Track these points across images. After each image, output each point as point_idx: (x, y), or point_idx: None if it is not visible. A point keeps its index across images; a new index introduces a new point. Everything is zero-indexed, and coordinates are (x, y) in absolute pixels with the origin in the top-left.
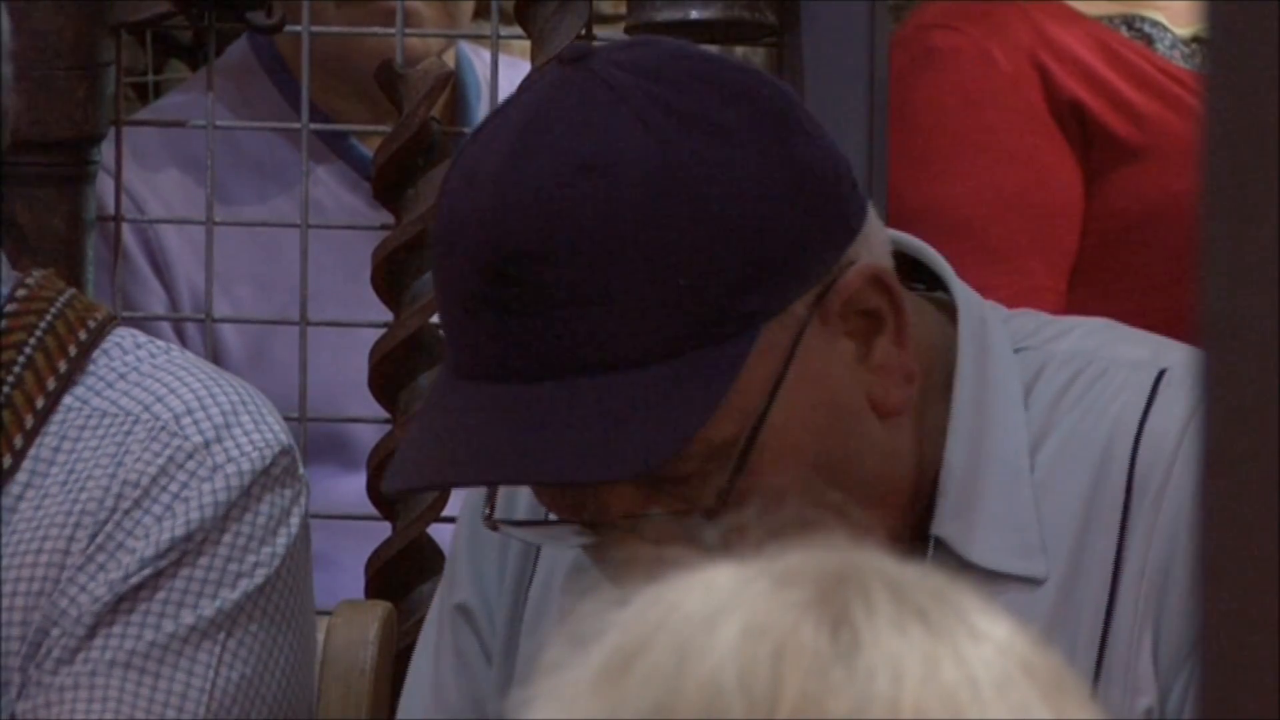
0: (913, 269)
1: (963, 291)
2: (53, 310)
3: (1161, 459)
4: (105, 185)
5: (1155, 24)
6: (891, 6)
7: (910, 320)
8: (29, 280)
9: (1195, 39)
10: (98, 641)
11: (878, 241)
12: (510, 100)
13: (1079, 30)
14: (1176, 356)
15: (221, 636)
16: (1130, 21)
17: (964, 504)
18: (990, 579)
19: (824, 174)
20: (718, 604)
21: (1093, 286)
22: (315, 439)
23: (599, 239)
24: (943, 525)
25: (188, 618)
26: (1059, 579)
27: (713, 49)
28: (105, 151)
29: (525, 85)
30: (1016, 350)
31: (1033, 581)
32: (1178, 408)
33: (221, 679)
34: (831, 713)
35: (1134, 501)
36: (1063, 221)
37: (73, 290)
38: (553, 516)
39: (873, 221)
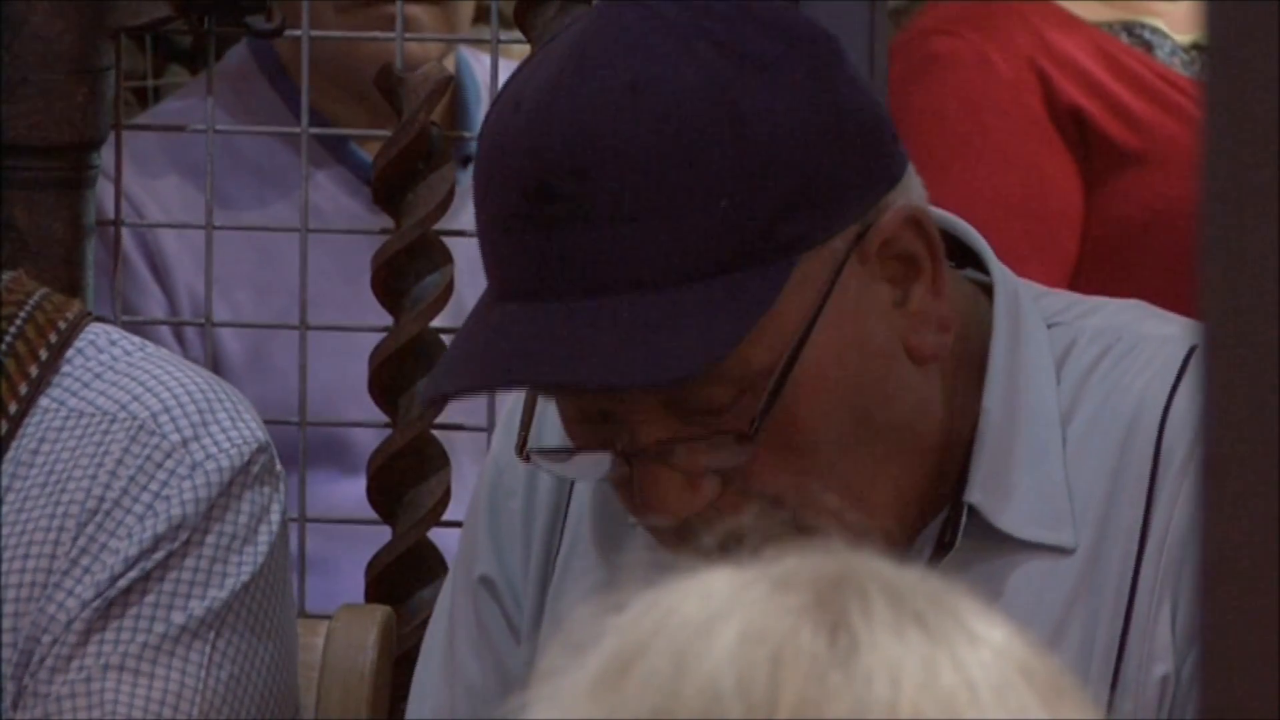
0: (949, 248)
1: (998, 267)
2: (22, 314)
3: (1187, 431)
4: (105, 190)
5: (1155, 30)
6: (891, 11)
7: (946, 270)
8: None
9: (1195, 46)
10: (91, 648)
11: (917, 195)
12: (556, 34)
13: (1079, 36)
14: None
15: (211, 635)
16: (1130, 28)
17: (997, 472)
18: (1020, 548)
19: (867, 118)
20: (715, 609)
21: (1092, 292)
22: (315, 443)
23: (643, 156)
24: (975, 492)
25: (178, 618)
26: (1086, 548)
27: None
28: (105, 156)
29: (576, 18)
30: (1049, 326)
31: (1061, 551)
32: None
33: (212, 678)
34: (830, 716)
35: (1160, 473)
36: (1062, 227)
37: (44, 290)
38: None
39: (913, 176)
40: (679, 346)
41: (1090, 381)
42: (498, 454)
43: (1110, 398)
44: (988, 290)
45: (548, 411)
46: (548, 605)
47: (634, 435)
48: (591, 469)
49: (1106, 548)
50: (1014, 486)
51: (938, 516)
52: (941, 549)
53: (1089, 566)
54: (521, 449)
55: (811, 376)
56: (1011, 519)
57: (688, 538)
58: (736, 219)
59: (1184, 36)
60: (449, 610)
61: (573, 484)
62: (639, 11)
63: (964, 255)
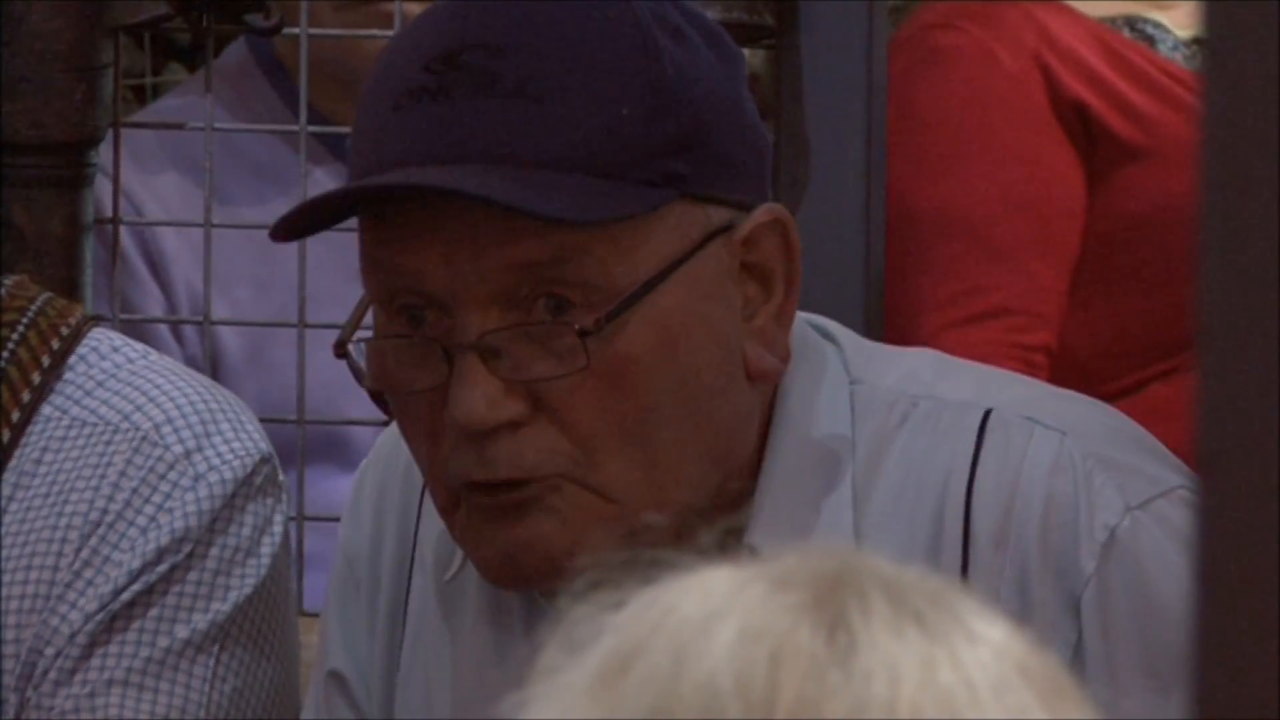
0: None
1: (839, 331)
2: (25, 320)
3: (998, 506)
4: (103, 188)
5: (1157, 25)
6: (890, 9)
7: (796, 305)
8: (0, 290)
9: (1197, 40)
10: (94, 661)
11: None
12: None
13: (1082, 31)
14: (1001, 394)
15: (215, 649)
16: (1133, 23)
17: (782, 521)
18: None
19: (760, 134)
20: (714, 607)
21: (1094, 286)
22: (314, 440)
23: (557, 45)
24: (758, 536)
25: (181, 632)
26: None
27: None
28: (103, 154)
29: None
30: (851, 383)
31: None
32: (1009, 449)
33: (216, 691)
34: (828, 715)
35: (972, 551)
36: (1065, 221)
37: (47, 295)
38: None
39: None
40: (560, 201)
41: (890, 450)
42: (344, 545)
43: (911, 475)
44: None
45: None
46: (397, 694)
47: (465, 328)
48: (412, 370)
49: None
50: (797, 537)
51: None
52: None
53: None
54: (342, 346)
55: (655, 320)
56: None
57: (485, 464)
58: (632, 131)
59: (1186, 31)
60: (313, 706)
61: (411, 573)
62: None
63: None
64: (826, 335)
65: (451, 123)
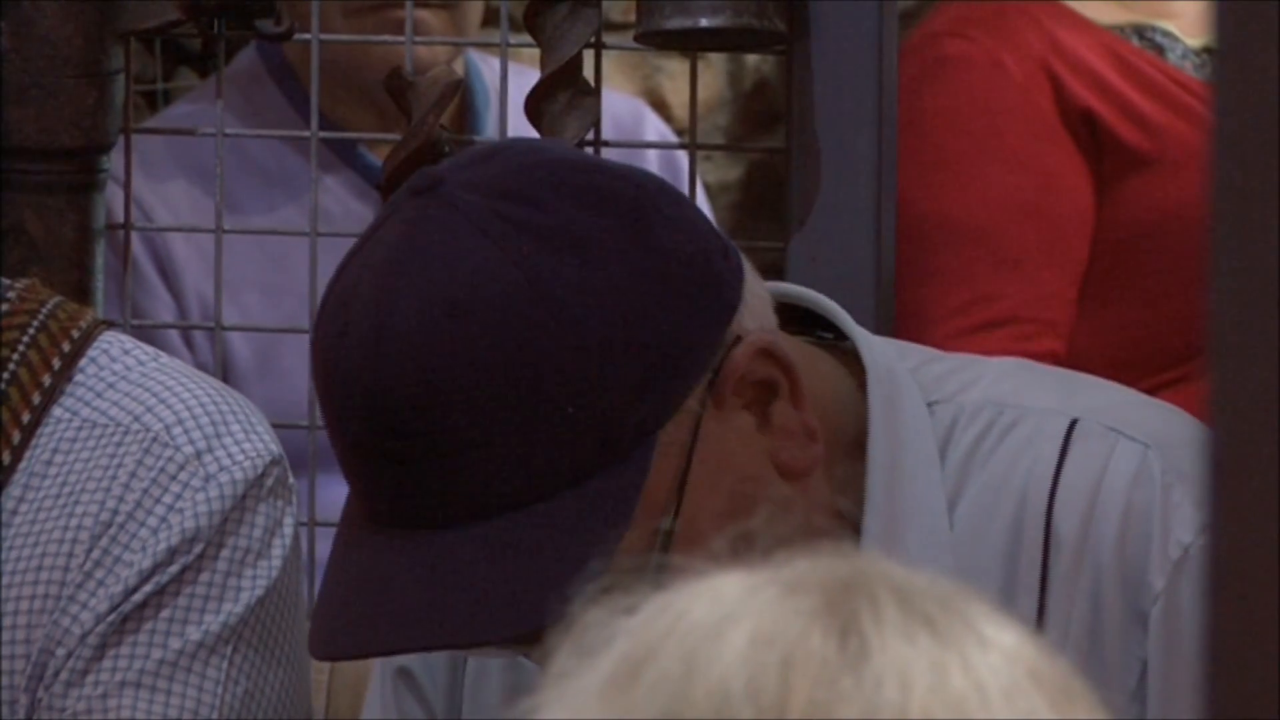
0: (812, 316)
1: (867, 343)
2: (35, 323)
3: (1077, 513)
4: (114, 194)
5: (1166, 34)
6: (901, 14)
7: (803, 379)
8: (10, 293)
9: (1206, 49)
10: (106, 663)
11: (758, 304)
12: (371, 235)
13: (1090, 39)
14: (1087, 403)
15: (228, 650)
16: (1141, 31)
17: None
18: None
19: (692, 258)
20: (726, 612)
21: (1103, 294)
22: (324, 447)
23: (478, 383)
24: None
25: (193, 633)
26: None
27: (716, 54)
28: (114, 160)
29: (385, 216)
30: (929, 404)
31: None
32: (1091, 459)
33: (229, 693)
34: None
35: (1052, 557)
36: (1073, 229)
37: (57, 299)
38: None
39: (750, 284)
40: (560, 571)
41: (974, 462)
42: None
43: (996, 480)
44: (853, 354)
45: None
46: (465, 698)
47: None
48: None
49: None
50: None
51: None
52: None
53: None
54: None
55: (689, 531)
56: None
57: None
58: (586, 421)
59: (1195, 40)
60: (379, 702)
61: None
62: (446, 214)
63: (813, 320)
64: (897, 357)
65: (416, 489)
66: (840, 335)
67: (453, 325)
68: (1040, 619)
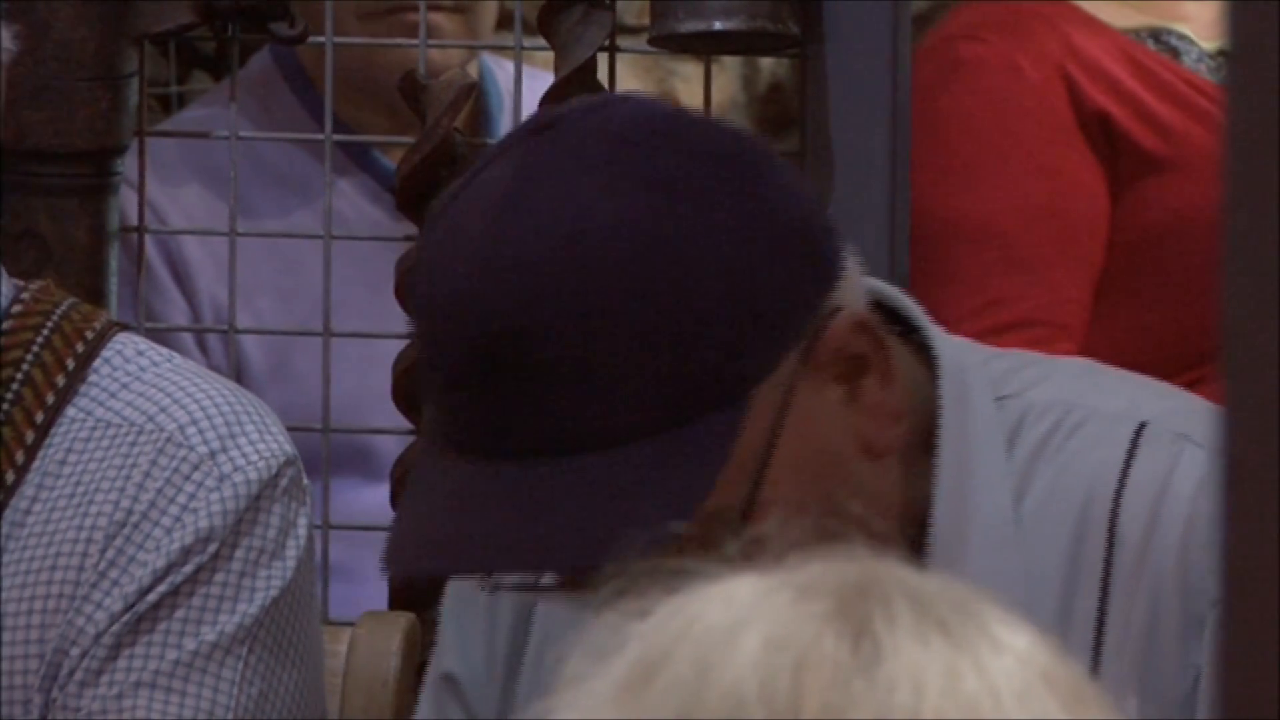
0: (886, 312)
1: (940, 340)
2: (49, 324)
3: (1142, 516)
4: (128, 197)
5: (1182, 37)
6: (916, 17)
7: (894, 359)
8: (25, 295)
9: (1221, 52)
10: (121, 663)
11: (856, 283)
12: (482, 169)
13: (1106, 42)
14: (1156, 407)
15: (244, 651)
16: (1157, 34)
17: (952, 560)
18: None
19: (800, 225)
20: (739, 615)
21: (1118, 297)
22: (338, 450)
23: (584, 316)
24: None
25: (208, 634)
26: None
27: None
28: (128, 163)
29: (493, 155)
30: (998, 399)
31: None
32: (1158, 464)
33: (243, 694)
34: None
35: (1115, 559)
36: (1088, 233)
37: (71, 300)
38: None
39: (851, 263)
40: (646, 511)
41: (1041, 459)
42: None
43: (1061, 478)
44: (927, 352)
45: None
46: (519, 695)
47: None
48: (559, 599)
49: (1065, 636)
50: (970, 573)
51: None
52: None
53: None
54: (484, 584)
55: (774, 497)
56: None
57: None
58: (686, 367)
59: (1210, 43)
60: (426, 706)
61: None
62: (563, 154)
63: (899, 320)
64: (967, 354)
65: (509, 419)
66: (907, 330)
67: (561, 258)
68: (1101, 620)
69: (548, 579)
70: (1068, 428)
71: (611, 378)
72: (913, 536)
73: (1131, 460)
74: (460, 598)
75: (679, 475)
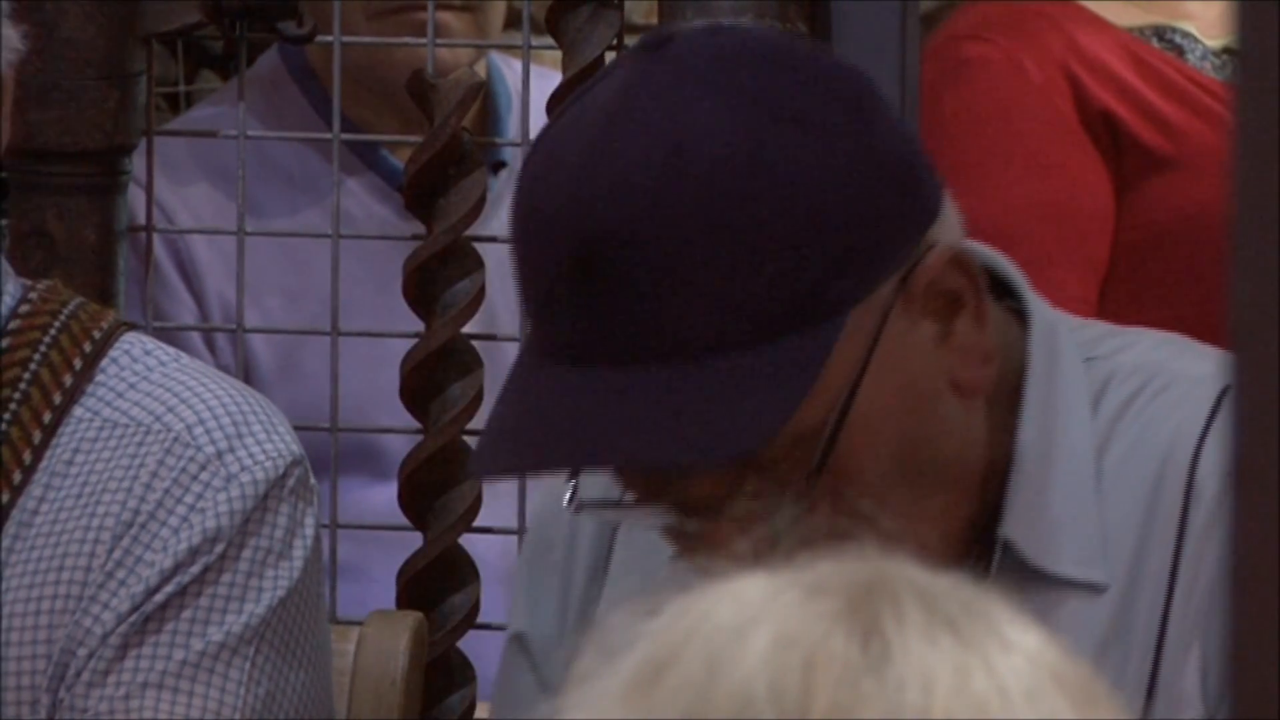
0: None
1: (1033, 299)
2: (57, 324)
3: (1217, 481)
4: (136, 196)
5: (1186, 35)
6: (922, 16)
7: (988, 302)
8: (32, 294)
9: (1226, 50)
10: (128, 663)
11: (954, 224)
12: (591, 86)
13: (1110, 40)
14: None
15: (251, 651)
16: (1161, 32)
17: (1032, 507)
18: (1053, 585)
19: (904, 159)
20: (748, 614)
21: (1123, 296)
22: (346, 449)
23: (687, 224)
24: (1011, 527)
25: (215, 634)
26: (1119, 588)
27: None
28: (136, 162)
29: (606, 72)
30: (1086, 360)
31: (1094, 589)
32: None
33: (251, 694)
34: None
35: (1190, 515)
36: (1094, 231)
37: (79, 300)
38: None
39: (949, 205)
40: (735, 420)
41: (1125, 418)
42: (539, 508)
43: (1144, 435)
44: (1020, 316)
45: None
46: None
47: (687, 490)
48: (643, 519)
49: (1138, 588)
50: (1049, 522)
51: (972, 549)
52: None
53: (1121, 607)
54: (572, 499)
55: (862, 427)
56: (1046, 555)
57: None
58: (786, 282)
59: (1215, 41)
60: (502, 665)
61: (615, 537)
62: (673, 70)
63: (996, 285)
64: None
65: (603, 324)
66: (1003, 295)
67: (668, 166)
68: (1174, 570)
69: (629, 496)
70: (1153, 390)
71: (708, 288)
72: (993, 489)
73: (1213, 420)
74: (535, 560)
75: (770, 387)
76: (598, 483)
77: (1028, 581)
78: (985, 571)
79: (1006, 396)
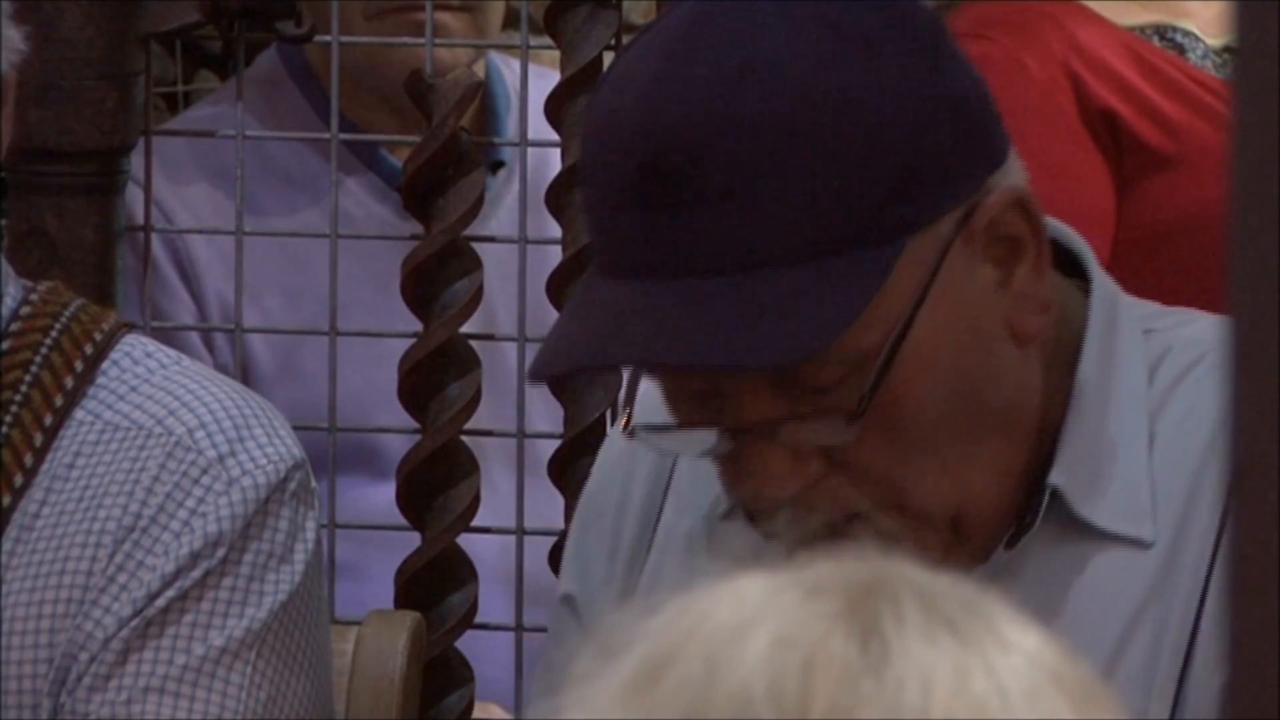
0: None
1: (1098, 271)
2: (58, 325)
3: None
4: (134, 196)
5: (1187, 34)
6: None
7: (1048, 251)
8: (33, 296)
9: (1227, 49)
10: (129, 668)
11: (1019, 175)
12: (662, 18)
13: (1111, 39)
14: None
15: (252, 656)
16: (1162, 31)
17: (1082, 458)
18: (1099, 538)
19: (971, 98)
20: (748, 614)
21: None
22: (345, 449)
23: (754, 138)
24: (1059, 474)
25: (217, 639)
26: (1164, 546)
27: None
28: (135, 162)
29: (671, 8)
30: (1145, 331)
31: (1140, 545)
32: None
33: (252, 699)
34: None
35: None
36: (1094, 229)
37: (80, 301)
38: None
39: (1015, 158)
40: (792, 328)
41: (1180, 387)
42: (595, 476)
43: (1198, 404)
44: (1085, 290)
45: (650, 387)
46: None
47: (740, 412)
48: (696, 444)
49: (1183, 547)
50: (1098, 475)
51: (1023, 496)
52: (1020, 531)
53: (1165, 564)
54: (627, 425)
55: (917, 357)
56: (1093, 507)
57: (791, 518)
58: (847, 201)
59: (1216, 40)
60: (551, 626)
61: (662, 507)
62: None
63: (1063, 260)
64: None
65: (668, 237)
66: (1069, 272)
67: (736, 81)
68: (1219, 534)
69: (699, 437)
70: (1210, 364)
71: (769, 202)
72: (1046, 446)
73: None
74: (585, 526)
75: (824, 302)
76: (652, 408)
77: (1072, 532)
78: (1032, 517)
79: (1065, 360)
